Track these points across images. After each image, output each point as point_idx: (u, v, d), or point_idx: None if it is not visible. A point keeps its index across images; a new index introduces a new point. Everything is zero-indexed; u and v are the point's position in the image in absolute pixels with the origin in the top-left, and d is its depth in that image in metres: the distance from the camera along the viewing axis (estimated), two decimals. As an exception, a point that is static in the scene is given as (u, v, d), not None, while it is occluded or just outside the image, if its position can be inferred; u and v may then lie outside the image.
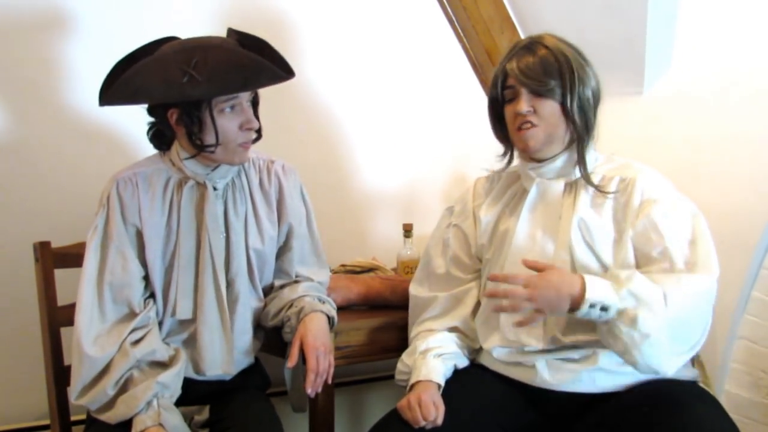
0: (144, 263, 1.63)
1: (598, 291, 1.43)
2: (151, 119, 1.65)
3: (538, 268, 1.48)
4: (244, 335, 1.71)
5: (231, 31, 1.67)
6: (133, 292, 1.60)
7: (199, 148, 1.59)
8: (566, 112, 1.58)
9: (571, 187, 1.64)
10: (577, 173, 1.62)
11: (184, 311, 1.64)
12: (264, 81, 1.57)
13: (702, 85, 2.34)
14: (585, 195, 1.61)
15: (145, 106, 1.63)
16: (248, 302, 1.72)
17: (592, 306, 1.42)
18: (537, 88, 1.57)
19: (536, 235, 1.62)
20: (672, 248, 1.52)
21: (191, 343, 1.66)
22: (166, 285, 1.64)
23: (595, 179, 1.62)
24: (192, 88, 1.50)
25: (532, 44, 1.61)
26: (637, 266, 1.55)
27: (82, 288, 1.58)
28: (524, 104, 1.58)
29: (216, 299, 1.65)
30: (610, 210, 1.59)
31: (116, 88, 1.52)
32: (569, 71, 1.57)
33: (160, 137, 1.66)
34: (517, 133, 1.61)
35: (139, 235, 1.62)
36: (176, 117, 1.57)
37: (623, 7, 2.32)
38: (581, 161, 1.61)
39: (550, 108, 1.58)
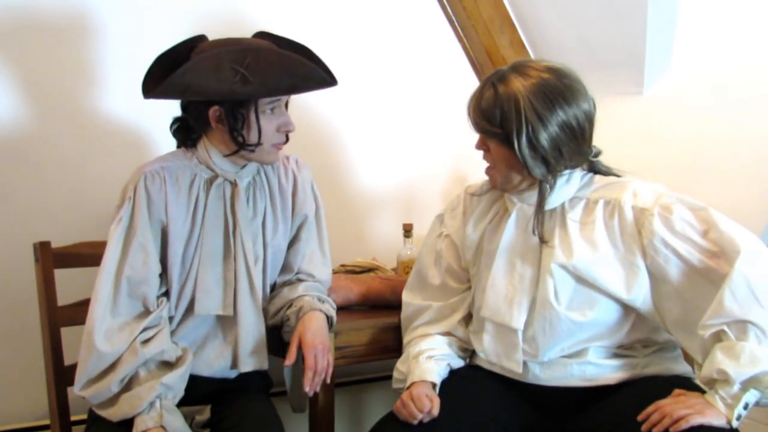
0: (163, 259, 1.63)
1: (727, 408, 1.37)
2: (178, 115, 1.67)
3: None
4: None
5: (263, 34, 1.68)
6: (150, 289, 1.60)
7: (240, 146, 1.60)
8: (515, 156, 1.51)
9: (552, 214, 1.59)
10: (555, 202, 1.57)
11: (213, 307, 1.65)
12: (312, 86, 1.63)
13: (702, 85, 2.34)
14: (572, 224, 1.55)
15: (175, 102, 1.64)
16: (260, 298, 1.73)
17: (744, 409, 1.37)
18: (479, 130, 1.56)
19: (515, 261, 1.60)
20: (687, 251, 1.47)
21: (228, 337, 1.67)
22: (183, 282, 1.65)
23: (580, 204, 1.57)
24: (243, 88, 1.52)
25: (490, 82, 1.54)
26: (655, 284, 1.51)
27: (99, 280, 1.58)
28: (478, 142, 1.59)
29: (251, 295, 1.67)
30: (604, 236, 1.53)
31: (169, 83, 1.52)
32: (515, 116, 1.48)
33: (186, 133, 1.67)
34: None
35: (163, 231, 1.62)
36: (218, 115, 1.59)
37: (623, 7, 2.32)
38: (540, 204, 1.54)
39: (496, 149, 1.55)
